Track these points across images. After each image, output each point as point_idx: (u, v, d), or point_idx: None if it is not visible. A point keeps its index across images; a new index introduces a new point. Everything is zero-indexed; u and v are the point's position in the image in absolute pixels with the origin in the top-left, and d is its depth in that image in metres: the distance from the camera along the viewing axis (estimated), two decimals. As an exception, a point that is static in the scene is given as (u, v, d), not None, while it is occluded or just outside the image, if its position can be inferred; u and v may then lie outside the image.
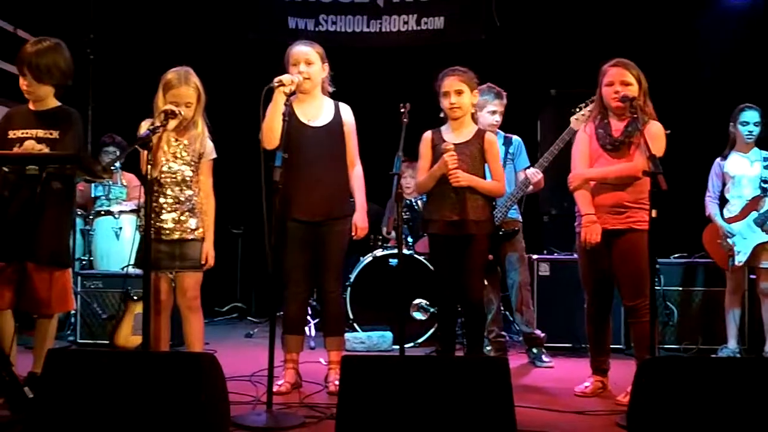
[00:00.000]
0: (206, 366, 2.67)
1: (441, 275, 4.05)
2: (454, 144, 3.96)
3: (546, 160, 4.75)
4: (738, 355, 5.03)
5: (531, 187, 4.80)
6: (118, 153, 5.93)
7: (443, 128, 4.09)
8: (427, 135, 4.10)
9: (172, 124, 3.67)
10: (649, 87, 3.91)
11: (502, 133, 5.02)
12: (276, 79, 3.83)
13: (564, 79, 6.66)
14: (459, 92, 3.99)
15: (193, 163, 3.81)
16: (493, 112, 4.86)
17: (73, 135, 3.74)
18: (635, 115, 3.74)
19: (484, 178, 4.04)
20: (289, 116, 3.82)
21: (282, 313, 4.15)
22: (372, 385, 2.63)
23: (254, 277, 7.02)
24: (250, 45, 7.17)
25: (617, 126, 3.92)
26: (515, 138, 5.07)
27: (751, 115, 5.11)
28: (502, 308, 5.20)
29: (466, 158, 3.95)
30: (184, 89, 3.75)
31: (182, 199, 3.78)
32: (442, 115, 4.08)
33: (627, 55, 4.00)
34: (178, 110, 3.66)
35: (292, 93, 3.96)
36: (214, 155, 3.89)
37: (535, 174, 4.74)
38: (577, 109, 4.48)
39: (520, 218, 5.01)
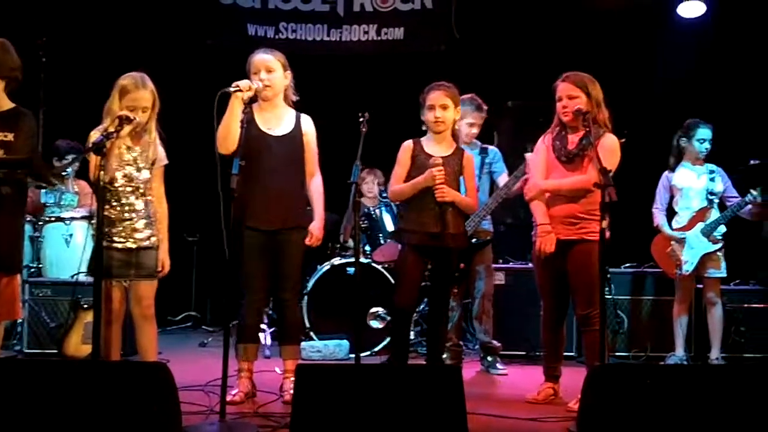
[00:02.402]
0: (158, 376, 2.65)
1: (404, 284, 4.06)
2: (440, 157, 3.99)
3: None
4: (685, 362, 5.13)
5: (527, 176, 4.53)
6: (70, 157, 5.82)
7: (424, 140, 4.11)
8: (408, 144, 4.11)
9: (127, 129, 3.64)
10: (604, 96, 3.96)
11: (479, 143, 5.07)
12: (234, 84, 3.81)
13: (520, 92, 6.75)
14: (444, 107, 4.02)
15: (146, 170, 3.78)
16: (471, 125, 4.90)
17: (26, 138, 3.68)
18: (588, 129, 3.81)
19: (460, 193, 4.08)
20: (249, 123, 3.81)
21: (237, 321, 4.13)
22: (326, 394, 2.63)
23: (209, 285, 6.95)
24: (208, 51, 7.12)
25: (573, 139, 3.99)
26: (491, 148, 5.11)
27: (706, 133, 5.21)
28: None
29: (447, 173, 3.98)
30: (141, 93, 3.72)
31: (136, 206, 3.75)
32: (424, 128, 4.11)
33: (582, 67, 4.06)
34: (133, 116, 3.64)
35: (254, 101, 3.95)
36: (165, 161, 3.87)
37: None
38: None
39: (491, 228, 5.07)
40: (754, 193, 5.01)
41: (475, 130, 4.95)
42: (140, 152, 3.77)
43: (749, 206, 5.07)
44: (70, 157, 5.82)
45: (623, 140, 3.97)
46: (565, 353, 5.30)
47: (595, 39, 6.82)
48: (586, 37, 6.83)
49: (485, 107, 4.96)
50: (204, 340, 6.03)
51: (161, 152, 3.85)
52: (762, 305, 5.45)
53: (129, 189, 3.74)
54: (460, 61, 6.92)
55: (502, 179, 4.95)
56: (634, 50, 6.84)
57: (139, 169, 3.76)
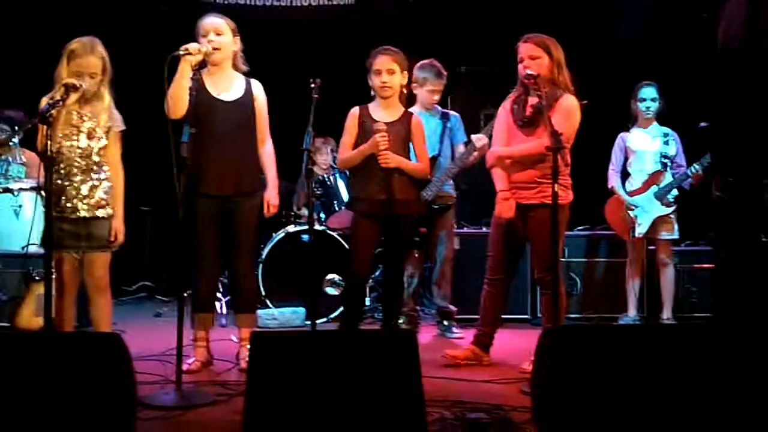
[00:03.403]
0: (111, 346, 2.61)
1: (357, 252, 4.06)
2: (384, 123, 3.98)
3: (492, 128, 4.69)
4: (637, 323, 5.24)
5: (475, 154, 4.75)
6: (6, 129, 5.66)
7: (371, 105, 4.10)
8: (355, 111, 4.09)
9: (74, 97, 3.58)
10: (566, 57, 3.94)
11: (440, 109, 5.07)
12: (182, 47, 3.76)
13: (473, 57, 6.74)
14: (391, 72, 4.01)
15: (99, 137, 3.71)
16: (432, 92, 4.91)
17: None
18: (538, 92, 3.81)
19: (409, 158, 4.08)
20: (198, 89, 3.77)
21: (192, 291, 4.11)
22: (281, 361, 2.63)
23: (163, 255, 6.88)
24: (159, 17, 6.97)
25: (533, 102, 3.94)
26: (453, 114, 5.10)
27: (647, 92, 5.29)
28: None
29: (393, 138, 3.98)
30: (89, 59, 3.65)
31: (90, 175, 3.69)
32: (372, 93, 4.09)
33: (536, 31, 4.03)
34: (79, 83, 3.58)
35: (203, 66, 3.90)
36: (122, 126, 3.80)
37: (480, 139, 4.65)
38: (512, 89, 4.48)
39: (454, 193, 5.08)
40: (696, 166, 5.11)
41: (436, 97, 4.97)
42: (93, 119, 3.70)
43: (689, 179, 5.17)
44: (5, 127, 5.67)
45: (584, 102, 3.98)
46: (519, 316, 5.39)
47: (549, 2, 6.80)
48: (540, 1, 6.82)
49: (445, 73, 4.97)
50: (159, 309, 5.99)
51: (117, 118, 3.78)
52: (712, 266, 5.56)
53: (81, 157, 3.68)
54: (413, 27, 6.87)
55: (458, 149, 4.96)
56: (591, 11, 6.84)
57: (91, 137, 3.69)
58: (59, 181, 3.63)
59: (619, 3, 6.86)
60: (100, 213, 3.69)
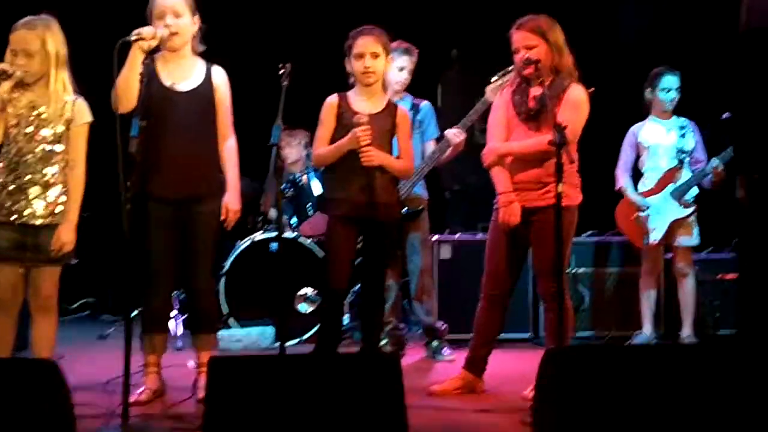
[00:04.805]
0: (45, 374, 2.59)
1: (334, 263, 4.04)
2: (366, 115, 3.96)
3: (470, 120, 4.74)
4: (653, 342, 5.24)
5: (449, 151, 4.80)
6: None
7: (350, 94, 4.08)
8: (332, 100, 4.06)
9: (6, 85, 3.56)
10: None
11: (411, 98, 5.06)
12: (135, 32, 3.71)
13: (467, 39, 6.74)
14: (375, 55, 3.99)
15: (53, 131, 3.67)
16: (401, 69, 4.91)
17: None
18: (541, 79, 3.80)
19: (392, 154, 4.06)
20: (150, 77, 3.73)
21: (141, 309, 4.07)
22: (244, 389, 2.61)
23: (108, 267, 6.83)
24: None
25: (536, 93, 3.92)
26: (424, 104, 5.08)
27: (671, 81, 5.28)
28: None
29: (376, 132, 3.96)
30: (21, 33, 3.64)
31: (43, 175, 3.65)
32: (352, 80, 4.07)
33: (538, 9, 4.02)
34: (12, 69, 3.57)
35: (156, 50, 3.86)
36: (87, 119, 3.76)
37: (458, 134, 4.71)
38: (494, 78, 4.50)
39: (425, 195, 5.05)
40: (716, 161, 5.10)
41: (405, 75, 4.94)
42: (41, 109, 3.67)
43: (710, 176, 5.17)
44: None
45: (592, 90, 3.97)
46: (519, 335, 5.37)
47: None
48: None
49: (416, 51, 4.96)
50: (103, 331, 5.97)
51: (80, 109, 3.75)
52: (737, 276, 5.57)
53: (29, 154, 3.65)
54: (400, 5, 6.86)
55: (429, 147, 4.95)
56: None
57: (41, 130, 3.66)
58: (3, 181, 3.62)
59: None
60: (51, 220, 3.65)
